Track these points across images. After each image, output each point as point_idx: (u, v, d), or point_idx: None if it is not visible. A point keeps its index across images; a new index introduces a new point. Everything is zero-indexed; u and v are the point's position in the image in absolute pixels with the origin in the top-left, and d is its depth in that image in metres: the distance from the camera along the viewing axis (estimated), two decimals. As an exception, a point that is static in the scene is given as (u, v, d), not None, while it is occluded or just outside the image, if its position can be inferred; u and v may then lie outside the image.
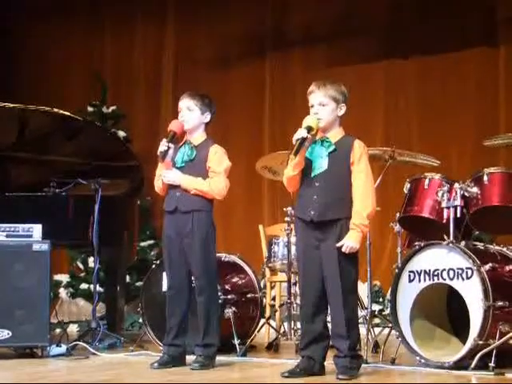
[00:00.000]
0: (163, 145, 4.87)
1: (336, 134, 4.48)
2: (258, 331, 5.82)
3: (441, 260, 4.78)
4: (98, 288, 6.31)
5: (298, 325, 5.61)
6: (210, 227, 4.92)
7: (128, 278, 7.65)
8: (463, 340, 4.70)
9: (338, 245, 4.33)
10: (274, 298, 6.82)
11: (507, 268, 4.84)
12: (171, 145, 4.90)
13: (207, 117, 4.99)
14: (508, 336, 4.57)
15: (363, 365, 4.57)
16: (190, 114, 4.95)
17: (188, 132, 4.99)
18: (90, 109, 9.07)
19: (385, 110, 8.45)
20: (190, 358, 4.91)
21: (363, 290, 5.87)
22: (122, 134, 8.90)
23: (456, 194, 4.97)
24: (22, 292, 5.37)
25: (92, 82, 9.13)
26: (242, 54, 9.00)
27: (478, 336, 4.55)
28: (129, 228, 6.65)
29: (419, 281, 4.85)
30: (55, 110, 6.33)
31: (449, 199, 4.99)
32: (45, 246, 5.45)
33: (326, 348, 4.46)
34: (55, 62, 9.70)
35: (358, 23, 8.45)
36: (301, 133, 4.35)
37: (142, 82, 9.56)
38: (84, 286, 8.53)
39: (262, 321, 5.94)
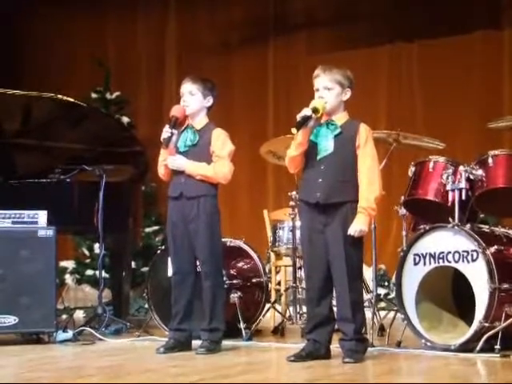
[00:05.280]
0: (166, 131, 4.85)
1: (341, 118, 4.47)
2: (263, 316, 5.83)
3: (446, 243, 4.77)
4: (104, 274, 6.32)
5: (304, 309, 5.63)
6: (215, 212, 4.91)
7: (133, 264, 7.65)
8: (469, 323, 4.70)
9: (349, 232, 4.31)
10: (279, 283, 6.81)
11: (513, 250, 4.84)
12: (174, 131, 4.87)
13: (209, 101, 4.96)
14: (513, 318, 4.58)
15: (369, 348, 4.57)
16: (192, 99, 4.92)
17: (190, 116, 4.96)
18: (93, 95, 9.06)
19: (389, 93, 8.43)
20: (195, 343, 4.92)
21: (368, 273, 5.87)
22: (125, 119, 8.90)
23: (461, 176, 4.96)
24: (28, 278, 5.37)
25: (95, 68, 9.12)
26: (245, 39, 8.98)
27: (483, 318, 4.55)
28: (134, 214, 6.65)
29: (424, 264, 4.84)
30: (59, 96, 6.33)
31: (454, 182, 4.99)
32: (50, 233, 5.45)
33: (331, 331, 4.47)
34: (59, 48, 9.68)
35: (361, 7, 8.42)
36: (305, 111, 4.35)
37: (146, 68, 9.56)
38: (90, 272, 8.54)
39: (268, 305, 5.95)
